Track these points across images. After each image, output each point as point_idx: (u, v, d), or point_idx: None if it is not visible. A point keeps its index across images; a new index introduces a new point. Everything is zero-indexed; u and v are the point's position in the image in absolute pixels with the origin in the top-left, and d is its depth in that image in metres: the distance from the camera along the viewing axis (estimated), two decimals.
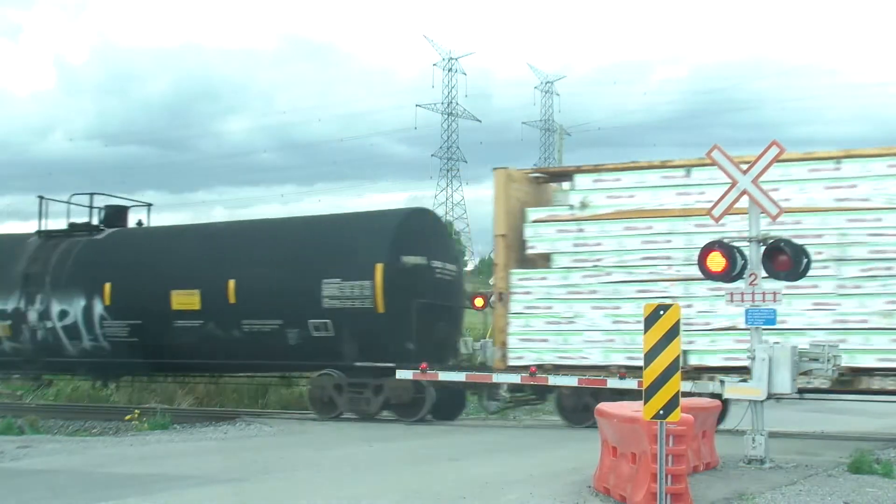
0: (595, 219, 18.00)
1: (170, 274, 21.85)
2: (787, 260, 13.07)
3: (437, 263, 20.55)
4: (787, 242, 13.11)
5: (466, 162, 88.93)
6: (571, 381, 17.66)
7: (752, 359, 12.95)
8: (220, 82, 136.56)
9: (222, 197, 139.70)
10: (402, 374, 18.99)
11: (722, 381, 13.77)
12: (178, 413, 21.56)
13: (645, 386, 9.04)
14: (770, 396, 12.99)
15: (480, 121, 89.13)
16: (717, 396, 14.05)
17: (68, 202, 24.54)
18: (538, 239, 18.52)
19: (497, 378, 18.49)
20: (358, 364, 19.61)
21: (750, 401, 13.16)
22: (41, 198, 24.43)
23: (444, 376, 18.89)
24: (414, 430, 18.45)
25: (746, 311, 13.06)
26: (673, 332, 9.00)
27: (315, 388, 20.29)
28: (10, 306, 23.58)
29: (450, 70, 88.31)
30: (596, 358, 17.68)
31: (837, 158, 16.45)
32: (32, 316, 23.25)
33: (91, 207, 24.52)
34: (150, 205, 25.36)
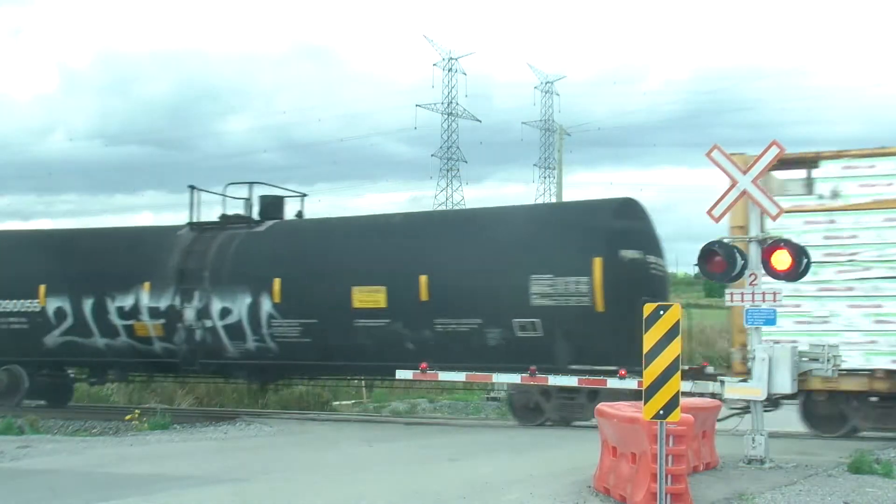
0: (849, 209, 16.34)
1: (351, 269, 20.07)
2: (787, 260, 13.08)
3: (651, 258, 19.09)
4: (788, 242, 13.12)
5: (466, 162, 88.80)
6: (571, 381, 17.58)
7: (752, 359, 12.97)
8: (221, 83, 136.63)
9: None
10: (402, 374, 18.87)
11: (722, 381, 13.77)
12: (178, 413, 21.57)
13: (645, 386, 9.05)
14: (770, 396, 13.01)
15: (480, 121, 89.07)
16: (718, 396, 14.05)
17: (223, 194, 22.66)
18: (782, 231, 16.53)
19: (497, 378, 18.44)
20: (573, 367, 17.82)
21: (750, 401, 13.17)
22: (192, 188, 22.64)
23: (443, 376, 18.78)
24: (413, 430, 18.47)
25: (746, 311, 13.07)
26: (673, 332, 9.02)
27: (519, 394, 18.59)
28: (163, 304, 21.63)
29: (450, 70, 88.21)
30: (856, 361, 15.83)
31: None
32: (189, 314, 21.33)
33: (246, 200, 22.58)
34: (304, 195, 23.50)
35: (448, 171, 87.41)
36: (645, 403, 9.04)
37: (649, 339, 9.05)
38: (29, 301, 22.81)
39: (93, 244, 23.51)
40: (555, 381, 17.73)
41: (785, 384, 12.85)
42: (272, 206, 22.73)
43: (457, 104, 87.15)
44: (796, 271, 13.17)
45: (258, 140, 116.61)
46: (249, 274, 20.92)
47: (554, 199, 56.03)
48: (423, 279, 19.09)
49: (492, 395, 26.22)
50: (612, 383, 17.02)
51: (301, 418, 21.21)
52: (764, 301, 12.97)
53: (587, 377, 17.44)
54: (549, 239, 18.84)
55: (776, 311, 13.00)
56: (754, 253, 13.16)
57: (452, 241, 19.79)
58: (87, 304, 22.28)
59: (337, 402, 26.31)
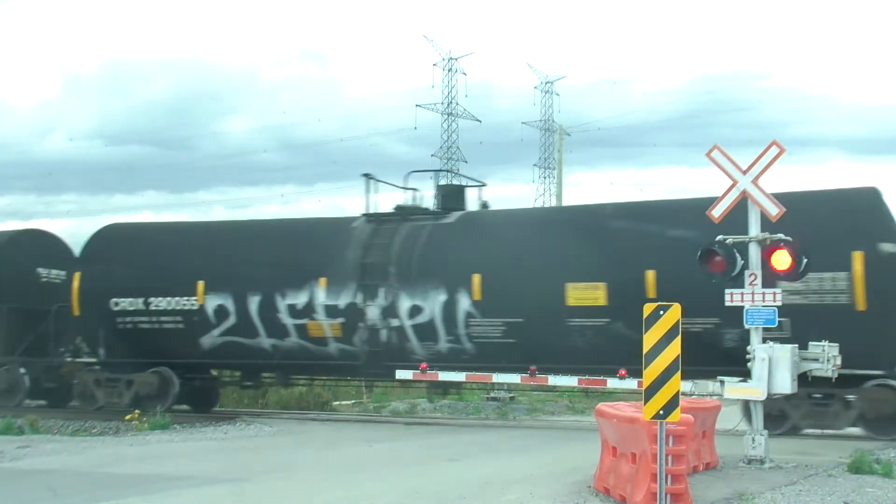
0: None
1: (563, 264, 18.25)
2: (787, 260, 13.10)
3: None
4: (787, 242, 13.14)
5: (466, 162, 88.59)
6: (571, 381, 17.52)
7: (752, 359, 12.97)
8: (221, 83, 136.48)
9: (223, 197, 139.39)
10: (402, 374, 18.77)
11: (722, 382, 13.76)
12: (178, 413, 21.50)
13: (645, 386, 9.05)
14: (770, 396, 13.01)
15: (480, 121, 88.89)
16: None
17: (404, 186, 21.08)
18: None
19: (497, 378, 18.40)
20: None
21: (750, 401, 13.18)
22: (367, 176, 21.06)
23: (443, 376, 18.66)
24: (413, 431, 18.48)
25: (746, 311, 13.08)
26: (673, 332, 9.02)
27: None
28: (342, 302, 19.86)
29: (450, 70, 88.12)
30: None
31: None
32: (373, 313, 19.62)
33: (415, 189, 21.02)
34: (483, 184, 21.55)
35: (448, 171, 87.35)
36: (645, 403, 9.05)
37: (649, 339, 9.06)
38: (185, 298, 21.12)
39: (258, 237, 22.04)
40: (554, 380, 17.62)
41: (785, 384, 12.85)
42: (454, 195, 21.02)
43: (457, 104, 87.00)
44: (796, 271, 13.19)
45: (258, 140, 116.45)
46: (443, 269, 19.30)
47: (554, 200, 56.00)
48: (650, 275, 17.47)
49: (492, 395, 26.21)
50: (613, 383, 16.92)
51: (301, 418, 21.20)
52: (764, 301, 12.97)
53: (587, 377, 17.35)
54: (797, 231, 16.84)
55: (776, 311, 13.00)
56: (754, 253, 13.16)
57: (682, 233, 17.59)
58: (254, 302, 20.60)
59: (337, 402, 26.30)
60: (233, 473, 12.40)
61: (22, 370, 22.76)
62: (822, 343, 13.59)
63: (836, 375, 13.97)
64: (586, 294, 17.90)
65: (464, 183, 21.71)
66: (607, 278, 17.83)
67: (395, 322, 19.53)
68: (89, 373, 22.18)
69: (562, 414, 24.24)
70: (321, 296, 20.03)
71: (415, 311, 19.41)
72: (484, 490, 10.97)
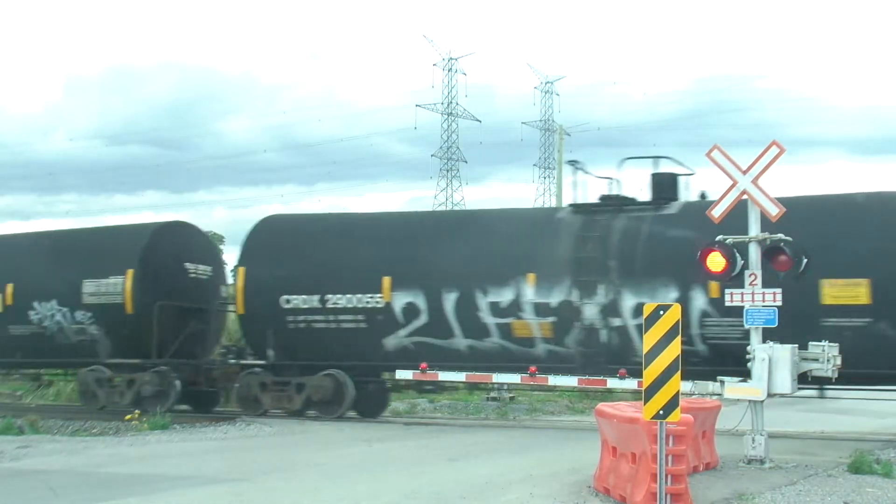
0: None
1: (818, 258, 15.59)
2: (786, 260, 13.11)
3: None
4: (787, 242, 13.15)
5: (466, 162, 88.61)
6: (571, 381, 17.54)
7: (752, 359, 12.98)
8: (221, 83, 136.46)
9: (223, 197, 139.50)
10: (402, 374, 18.76)
11: (722, 382, 13.77)
12: (178, 413, 21.48)
13: (645, 386, 9.06)
14: (770, 396, 13.02)
15: (480, 121, 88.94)
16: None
17: (605, 178, 19.41)
18: None
19: (497, 378, 18.40)
20: None
21: (750, 401, 13.19)
22: (573, 163, 19.65)
23: (443, 376, 18.68)
24: (413, 431, 18.46)
25: (745, 311, 13.08)
26: (673, 332, 9.03)
27: None
28: (554, 299, 18.32)
29: (450, 70, 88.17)
30: None
31: None
32: (590, 311, 18.10)
33: (610, 179, 19.45)
34: (692, 172, 19.76)
35: (448, 171, 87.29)
36: (645, 403, 9.05)
37: (649, 339, 9.07)
38: (369, 296, 19.54)
39: (451, 229, 20.63)
40: (555, 380, 17.66)
41: (785, 384, 12.86)
42: (667, 184, 19.24)
43: (457, 104, 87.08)
44: (795, 271, 13.20)
45: (258, 140, 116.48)
46: (673, 264, 17.40)
47: (554, 200, 56.04)
48: None
49: (492, 395, 26.18)
50: (612, 383, 16.94)
51: (301, 418, 21.18)
52: (764, 301, 12.98)
53: (587, 377, 17.35)
54: None
55: (776, 311, 13.01)
56: (754, 253, 13.17)
57: None
58: (449, 300, 19.05)
59: None
60: (233, 473, 12.41)
61: (173, 373, 21.35)
62: (822, 343, 13.61)
63: (836, 375, 13.99)
64: (845, 291, 16.24)
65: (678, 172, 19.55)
66: (871, 274, 16.03)
67: (616, 321, 17.98)
68: (252, 375, 20.60)
69: (562, 414, 24.24)
70: (529, 293, 18.53)
71: (640, 309, 18.02)
72: (484, 490, 10.97)
